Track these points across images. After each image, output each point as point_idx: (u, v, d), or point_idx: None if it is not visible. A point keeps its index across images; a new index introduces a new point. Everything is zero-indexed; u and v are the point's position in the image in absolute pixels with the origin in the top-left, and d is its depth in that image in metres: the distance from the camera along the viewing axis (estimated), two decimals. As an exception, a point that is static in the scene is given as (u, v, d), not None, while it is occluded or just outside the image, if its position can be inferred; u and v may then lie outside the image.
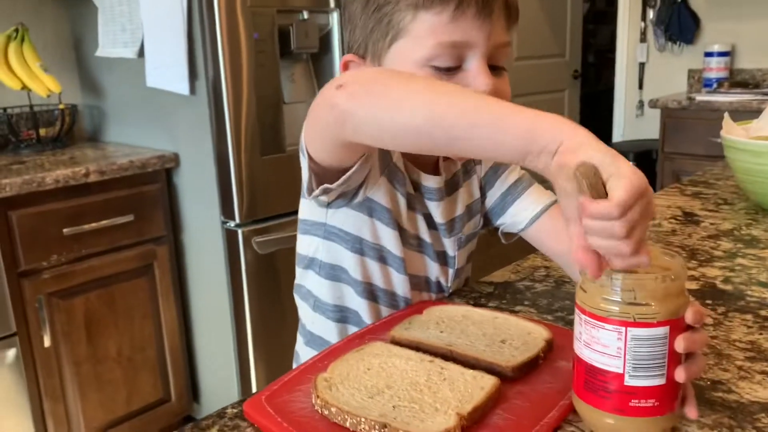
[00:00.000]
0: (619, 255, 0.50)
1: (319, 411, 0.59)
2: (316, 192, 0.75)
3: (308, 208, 0.86)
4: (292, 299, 0.94)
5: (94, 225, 1.90)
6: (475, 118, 0.56)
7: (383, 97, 0.61)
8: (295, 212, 0.90)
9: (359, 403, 0.59)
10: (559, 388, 0.62)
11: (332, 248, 0.85)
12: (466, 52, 0.73)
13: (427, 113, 0.58)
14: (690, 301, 0.54)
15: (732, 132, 1.20)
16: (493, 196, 0.93)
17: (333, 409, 0.58)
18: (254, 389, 2.06)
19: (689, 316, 0.54)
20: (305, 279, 0.90)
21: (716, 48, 3.20)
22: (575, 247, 0.52)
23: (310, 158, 0.73)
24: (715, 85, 3.16)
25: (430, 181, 0.85)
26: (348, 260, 0.84)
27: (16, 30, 2.17)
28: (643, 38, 3.57)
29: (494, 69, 0.75)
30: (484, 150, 0.58)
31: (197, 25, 1.88)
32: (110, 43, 2.17)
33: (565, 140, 0.52)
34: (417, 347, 0.69)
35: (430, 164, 0.86)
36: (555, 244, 0.88)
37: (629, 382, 0.53)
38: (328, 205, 0.82)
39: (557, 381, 0.64)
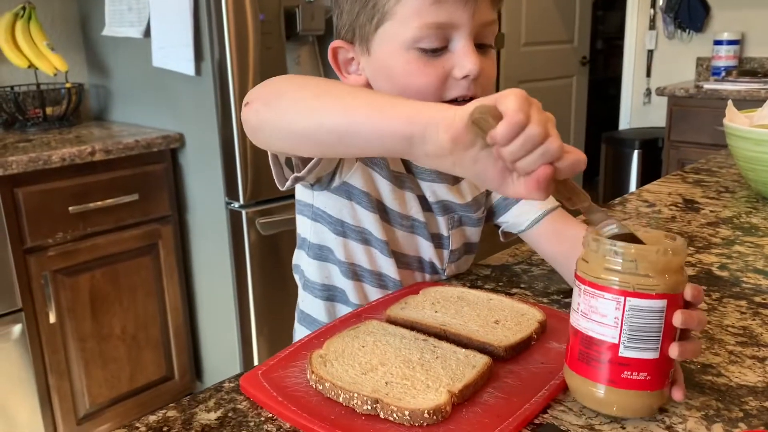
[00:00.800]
0: (554, 156, 0.50)
1: (314, 386, 0.61)
2: (288, 183, 0.77)
3: (300, 189, 0.88)
4: (293, 279, 0.96)
5: (99, 203, 1.92)
6: (357, 114, 0.58)
7: (279, 110, 0.64)
8: (299, 194, 0.92)
9: (352, 378, 0.60)
10: (551, 368, 0.63)
11: (319, 229, 0.86)
12: (451, 32, 0.73)
13: (316, 119, 0.61)
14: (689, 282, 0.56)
15: (735, 120, 1.20)
16: (496, 193, 0.92)
17: (327, 384, 0.59)
18: (256, 369, 2.08)
19: (688, 292, 0.55)
20: (299, 258, 0.92)
21: (726, 36, 3.18)
22: (526, 185, 0.51)
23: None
24: (723, 74, 3.14)
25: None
26: (332, 242, 0.85)
27: (23, 8, 2.17)
28: (652, 25, 3.54)
29: (481, 47, 0.76)
30: (371, 143, 0.58)
31: (203, 5, 1.88)
32: (117, 23, 2.17)
33: (448, 116, 0.53)
34: (411, 326, 0.70)
35: None
36: (554, 247, 0.87)
37: (623, 353, 0.54)
38: (312, 186, 0.84)
39: (549, 361, 0.65)
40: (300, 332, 0.94)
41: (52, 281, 1.85)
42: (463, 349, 0.64)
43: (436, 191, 0.87)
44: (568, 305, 0.56)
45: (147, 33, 2.07)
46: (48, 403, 1.90)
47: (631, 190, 3.40)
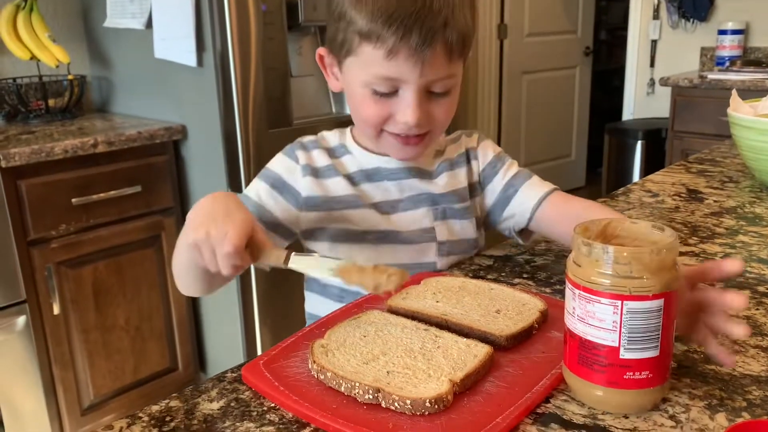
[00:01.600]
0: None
1: (316, 376, 0.61)
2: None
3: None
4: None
5: (102, 195, 1.92)
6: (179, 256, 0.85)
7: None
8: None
9: (354, 368, 0.60)
10: (552, 357, 0.63)
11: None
12: (400, 84, 0.81)
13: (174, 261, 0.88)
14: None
15: (739, 109, 1.20)
16: (494, 190, 0.97)
17: (329, 374, 0.59)
18: (259, 360, 2.08)
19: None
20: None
21: (730, 26, 3.16)
22: None
23: None
24: (727, 64, 3.12)
25: (388, 163, 0.93)
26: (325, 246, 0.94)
27: (25, 0, 2.17)
28: (656, 15, 3.52)
29: (436, 93, 0.83)
30: (191, 262, 0.79)
31: (205, -4, 1.87)
32: (118, 14, 2.17)
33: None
34: (413, 316, 0.70)
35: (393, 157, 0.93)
36: (561, 228, 0.89)
37: (624, 355, 0.54)
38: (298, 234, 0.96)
39: (550, 351, 0.65)
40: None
41: (55, 273, 1.85)
42: (465, 339, 0.64)
43: (410, 185, 0.93)
44: (570, 295, 0.57)
45: (148, 24, 2.06)
46: (52, 394, 1.91)
47: (634, 180, 3.39)
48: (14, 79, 2.18)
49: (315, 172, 0.92)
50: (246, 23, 1.86)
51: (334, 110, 2.19)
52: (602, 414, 0.56)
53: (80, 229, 1.90)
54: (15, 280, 1.77)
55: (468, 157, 0.98)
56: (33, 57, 2.17)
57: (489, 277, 0.87)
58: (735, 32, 3.16)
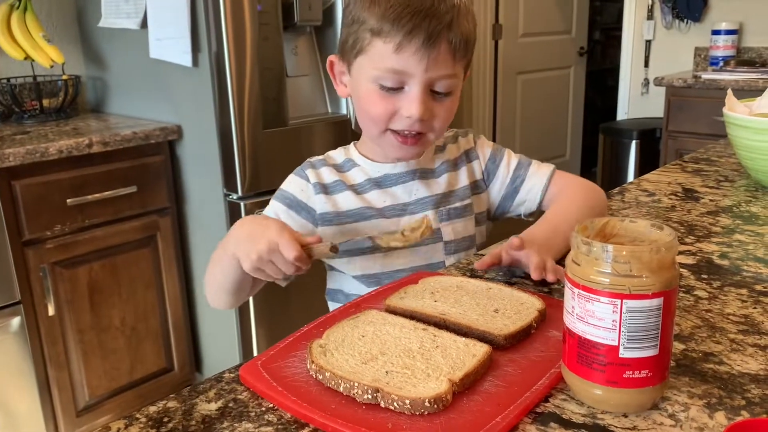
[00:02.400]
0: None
1: (314, 376, 0.60)
2: None
3: None
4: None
5: (97, 195, 1.91)
6: (216, 268, 0.91)
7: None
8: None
9: (353, 368, 0.60)
10: (551, 356, 0.63)
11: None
12: (407, 78, 0.86)
13: (210, 278, 0.95)
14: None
15: (734, 109, 1.20)
16: (500, 183, 1.04)
17: (327, 374, 0.59)
18: (255, 360, 2.08)
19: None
20: None
21: (724, 26, 3.17)
22: None
23: None
24: (721, 64, 3.13)
25: (394, 169, 0.98)
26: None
27: (19, 0, 2.16)
28: (650, 15, 3.53)
29: (438, 93, 0.88)
30: (227, 274, 0.89)
31: (200, -4, 1.86)
32: (113, 14, 2.16)
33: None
34: (411, 316, 0.70)
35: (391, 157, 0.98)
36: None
37: (624, 354, 0.54)
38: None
39: (549, 350, 0.65)
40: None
41: (50, 273, 1.84)
42: (463, 338, 0.64)
43: (417, 188, 0.99)
44: (568, 294, 0.58)
45: (143, 24, 2.06)
46: (47, 395, 1.90)
47: (629, 180, 3.40)
48: (8, 80, 2.17)
49: (325, 189, 0.98)
50: (241, 23, 1.86)
51: (329, 110, 2.19)
52: (602, 413, 0.56)
53: (75, 230, 1.90)
54: (9, 280, 1.76)
55: (468, 156, 1.04)
56: (27, 57, 2.16)
57: (487, 276, 0.87)
58: (728, 32, 3.17)
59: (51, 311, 1.86)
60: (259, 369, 0.62)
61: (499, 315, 0.69)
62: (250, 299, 2.04)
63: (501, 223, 1.10)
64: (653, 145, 3.34)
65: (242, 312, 2.07)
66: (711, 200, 1.15)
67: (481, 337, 0.65)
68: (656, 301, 0.53)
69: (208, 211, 2.08)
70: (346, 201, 0.97)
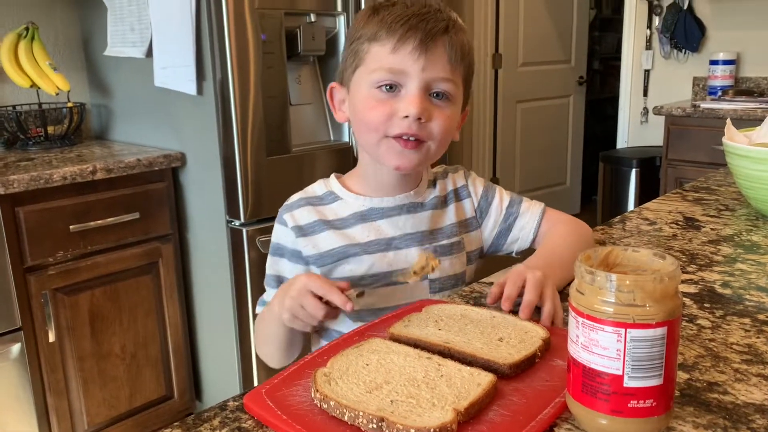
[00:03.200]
0: None
1: (318, 405, 0.60)
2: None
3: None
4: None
5: (100, 222, 1.92)
6: (267, 333, 0.94)
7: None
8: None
9: (357, 397, 0.60)
10: (556, 385, 0.63)
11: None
12: (404, 78, 0.88)
13: (263, 344, 0.99)
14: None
15: (734, 138, 1.21)
16: (494, 221, 1.04)
17: (332, 403, 0.59)
18: (256, 388, 2.06)
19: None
20: None
21: (721, 56, 3.21)
22: None
23: None
24: (719, 93, 3.16)
25: (381, 203, 0.97)
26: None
27: (26, 28, 2.19)
28: (648, 46, 3.58)
29: (438, 96, 0.90)
30: (278, 334, 0.91)
31: (205, 25, 1.89)
32: (119, 43, 2.19)
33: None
34: (415, 344, 0.70)
35: (386, 187, 0.98)
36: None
37: (628, 383, 0.54)
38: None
39: (553, 379, 0.65)
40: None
41: (52, 300, 1.84)
42: (468, 367, 0.64)
43: (403, 222, 0.97)
44: (571, 323, 0.58)
45: (149, 53, 2.08)
46: (46, 423, 1.89)
47: (629, 208, 3.41)
48: (14, 107, 2.19)
49: (303, 231, 0.97)
50: (246, 52, 1.89)
51: (332, 138, 2.21)
52: (606, 443, 0.56)
53: (77, 256, 1.90)
54: (10, 307, 1.76)
55: (458, 194, 1.03)
56: (33, 85, 2.19)
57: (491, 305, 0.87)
58: (726, 62, 3.21)
59: (51, 338, 1.85)
60: (263, 397, 0.62)
61: (503, 344, 0.69)
62: (251, 326, 2.04)
63: (488, 260, 1.10)
64: (653, 174, 3.36)
65: (242, 340, 2.06)
66: (712, 229, 1.15)
67: (486, 365, 0.65)
68: (660, 331, 0.53)
69: (210, 238, 2.09)
70: (327, 241, 0.96)
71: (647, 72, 3.60)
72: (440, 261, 0.95)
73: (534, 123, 4.29)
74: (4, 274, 1.73)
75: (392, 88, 0.88)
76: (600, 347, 0.54)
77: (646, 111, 3.63)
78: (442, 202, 1.02)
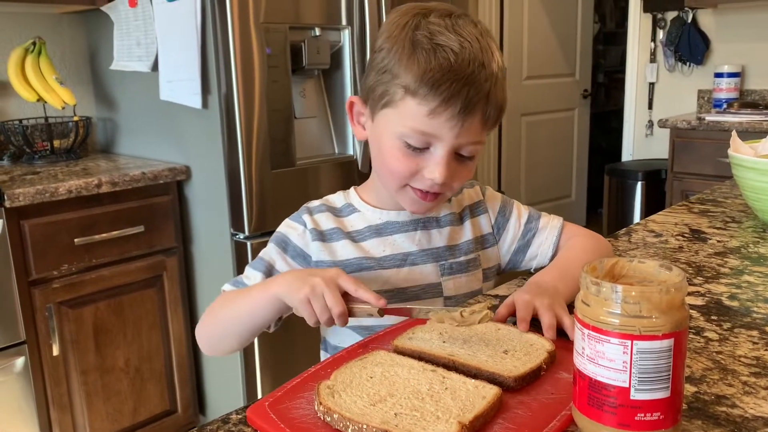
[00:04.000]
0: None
1: (322, 417, 0.60)
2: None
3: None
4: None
5: (105, 235, 1.92)
6: (239, 310, 0.88)
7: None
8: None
9: (361, 410, 0.59)
10: (561, 398, 0.62)
11: None
12: (434, 141, 0.84)
13: (221, 322, 0.92)
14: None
15: (739, 150, 1.21)
16: (512, 237, 1.02)
17: (335, 416, 0.58)
18: (260, 402, 2.05)
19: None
20: None
21: (726, 69, 3.21)
22: None
23: None
24: (724, 106, 3.16)
25: (398, 217, 0.96)
26: None
27: (33, 43, 2.21)
28: (653, 59, 3.58)
29: (461, 156, 0.87)
30: (255, 315, 0.87)
31: (211, 40, 1.91)
32: (125, 57, 2.20)
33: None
34: (419, 356, 0.69)
35: (398, 203, 0.95)
36: None
37: (635, 395, 0.53)
38: None
39: (559, 392, 0.64)
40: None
41: (56, 313, 1.84)
42: (473, 380, 0.63)
43: (419, 238, 0.96)
44: (577, 335, 0.58)
45: (155, 67, 2.10)
46: (49, 438, 1.88)
47: (634, 221, 3.40)
48: (20, 121, 2.21)
49: (321, 236, 0.95)
50: (251, 66, 1.90)
51: (336, 151, 2.21)
52: (613, 457, 0.55)
53: (82, 269, 1.90)
54: (15, 320, 1.76)
55: (474, 210, 1.02)
56: (40, 99, 2.20)
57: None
58: (731, 75, 3.21)
59: (55, 351, 1.85)
60: (266, 410, 0.62)
61: (508, 356, 0.69)
62: (256, 340, 2.03)
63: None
64: (659, 186, 3.35)
65: (247, 354, 2.06)
66: (718, 241, 1.15)
67: (491, 378, 0.64)
68: (667, 342, 0.52)
69: (215, 251, 2.09)
70: (344, 250, 0.94)
71: (652, 85, 3.61)
72: (438, 282, 0.95)
73: (539, 136, 4.29)
74: (8, 288, 1.73)
75: (420, 147, 0.85)
76: (606, 359, 0.53)
77: (651, 124, 3.63)
78: (458, 219, 1.00)
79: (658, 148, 3.58)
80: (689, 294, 0.90)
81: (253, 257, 1.99)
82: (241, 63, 1.88)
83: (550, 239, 1.01)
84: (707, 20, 3.35)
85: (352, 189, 1.01)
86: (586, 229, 1.05)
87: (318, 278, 0.77)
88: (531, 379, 0.66)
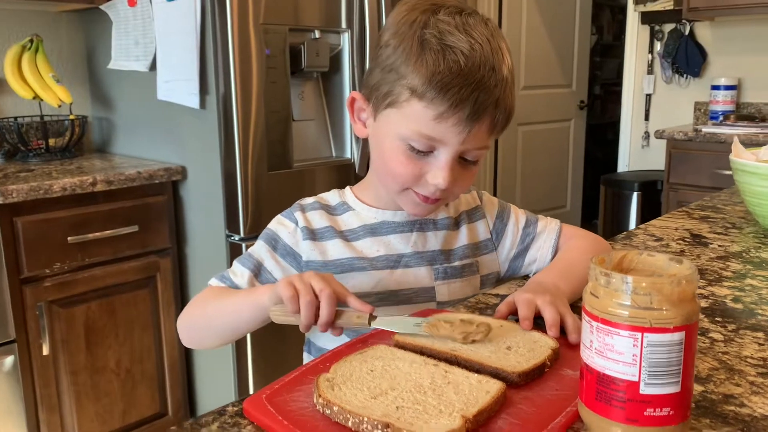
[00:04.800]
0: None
1: (321, 410, 0.58)
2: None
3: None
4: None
5: (98, 234, 1.90)
6: (223, 312, 0.87)
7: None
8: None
9: (362, 402, 0.57)
10: (566, 395, 0.61)
11: None
12: (439, 145, 0.81)
13: (203, 319, 0.90)
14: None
15: (741, 156, 1.20)
16: (510, 242, 1.00)
17: (335, 408, 0.57)
18: (252, 406, 2.03)
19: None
20: None
21: (723, 81, 3.22)
22: None
23: None
24: (721, 118, 3.17)
25: (394, 217, 0.94)
26: None
27: (31, 41, 2.19)
28: (650, 70, 3.59)
29: (465, 161, 0.84)
30: (240, 319, 0.86)
31: (210, 40, 1.90)
32: (123, 56, 2.19)
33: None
34: (421, 351, 0.68)
35: (395, 203, 0.92)
36: None
37: (645, 390, 0.52)
38: None
39: (564, 388, 0.63)
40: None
41: (47, 312, 1.82)
42: (476, 375, 0.62)
43: (415, 239, 0.93)
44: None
45: (152, 67, 2.08)
46: (37, 439, 1.85)
47: (631, 232, 3.39)
48: (15, 119, 2.19)
49: (313, 235, 0.92)
50: (249, 67, 1.88)
51: (334, 154, 2.20)
52: (621, 454, 0.53)
53: (74, 268, 1.88)
54: (5, 318, 1.73)
55: (471, 215, 1.00)
56: (36, 96, 2.19)
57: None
58: (728, 88, 3.22)
59: (45, 351, 1.82)
60: (263, 402, 0.60)
61: (511, 352, 0.67)
62: (248, 344, 2.01)
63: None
64: (654, 197, 3.35)
65: (239, 358, 2.03)
66: (720, 245, 1.14)
67: (494, 374, 0.63)
68: (678, 335, 0.51)
69: (209, 252, 2.07)
70: (335, 249, 0.91)
71: (648, 96, 3.61)
72: (431, 287, 0.93)
73: (535, 146, 4.29)
74: (-1, 285, 1.71)
75: (424, 151, 0.82)
76: (615, 352, 0.52)
77: (647, 135, 3.64)
78: (455, 224, 0.97)
79: (654, 159, 3.59)
80: (692, 296, 0.89)
81: (248, 259, 1.98)
82: (239, 63, 1.86)
83: (549, 242, 0.99)
84: (704, 33, 3.37)
85: (347, 188, 0.98)
86: (584, 231, 1.04)
87: (309, 273, 0.76)
88: (535, 376, 0.64)
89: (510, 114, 0.83)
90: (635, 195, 3.43)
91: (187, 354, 2.21)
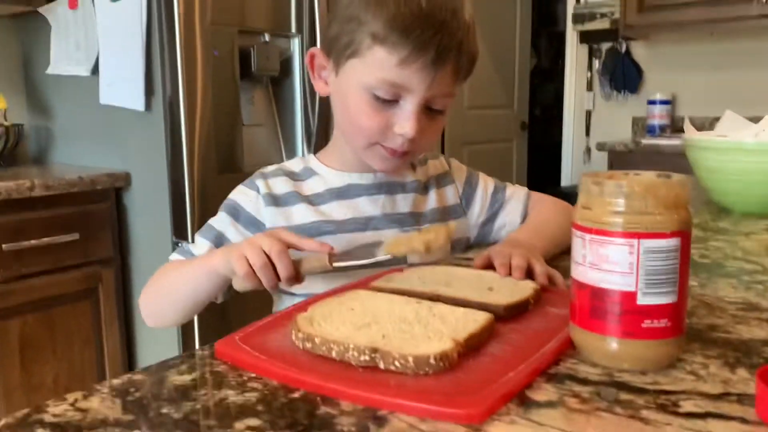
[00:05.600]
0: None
1: (301, 346, 0.54)
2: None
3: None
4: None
5: (35, 242, 1.79)
6: (179, 283, 0.85)
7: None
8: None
9: (345, 335, 0.54)
10: (555, 326, 0.59)
11: None
12: (404, 93, 0.79)
13: (162, 295, 0.90)
14: None
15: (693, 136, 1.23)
16: (479, 207, 1.00)
17: (317, 340, 0.53)
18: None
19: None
20: None
21: (658, 97, 3.34)
22: None
23: None
24: (658, 132, 3.28)
25: (360, 179, 0.92)
26: None
27: (-37, 44, 2.09)
28: (589, 87, 3.71)
29: (431, 110, 0.82)
30: (196, 290, 0.83)
31: (156, 40, 1.84)
32: (63, 61, 2.11)
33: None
34: (401, 294, 0.65)
35: (366, 164, 0.89)
36: None
37: (642, 300, 0.50)
38: None
39: (550, 322, 0.61)
40: None
41: (-22, 325, 1.69)
42: (462, 308, 0.59)
43: (383, 201, 0.92)
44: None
45: (94, 71, 2.01)
46: (-34, 464, 1.70)
47: (577, 244, 3.45)
48: (-56, 125, 2.06)
49: (276, 201, 0.90)
50: (196, 68, 1.84)
51: (285, 159, 2.16)
52: (619, 372, 0.52)
53: (10, 278, 1.76)
54: (-68, 331, 1.60)
55: (440, 181, 0.99)
56: (-33, 102, 2.08)
57: (469, 275, 0.82)
58: (663, 102, 3.34)
59: (-24, 367, 1.69)
60: (237, 343, 0.56)
61: (494, 292, 0.65)
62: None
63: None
64: (599, 209, 3.42)
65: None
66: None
67: (480, 308, 0.60)
68: (674, 241, 0.50)
69: (155, 261, 1.96)
70: (300, 214, 0.89)
71: (589, 112, 3.72)
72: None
73: (480, 165, 4.27)
74: (-75, 295, 1.59)
75: (389, 99, 0.80)
76: (611, 263, 0.50)
77: (588, 150, 3.74)
78: (423, 188, 0.96)
79: (596, 173, 3.67)
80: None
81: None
82: (186, 64, 1.81)
83: (518, 208, 1.00)
84: (640, 51, 3.50)
85: (310, 154, 0.96)
86: (552, 197, 1.04)
87: (256, 236, 0.74)
88: (519, 311, 0.62)
89: (473, 60, 0.83)
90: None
91: (131, 369, 2.10)
